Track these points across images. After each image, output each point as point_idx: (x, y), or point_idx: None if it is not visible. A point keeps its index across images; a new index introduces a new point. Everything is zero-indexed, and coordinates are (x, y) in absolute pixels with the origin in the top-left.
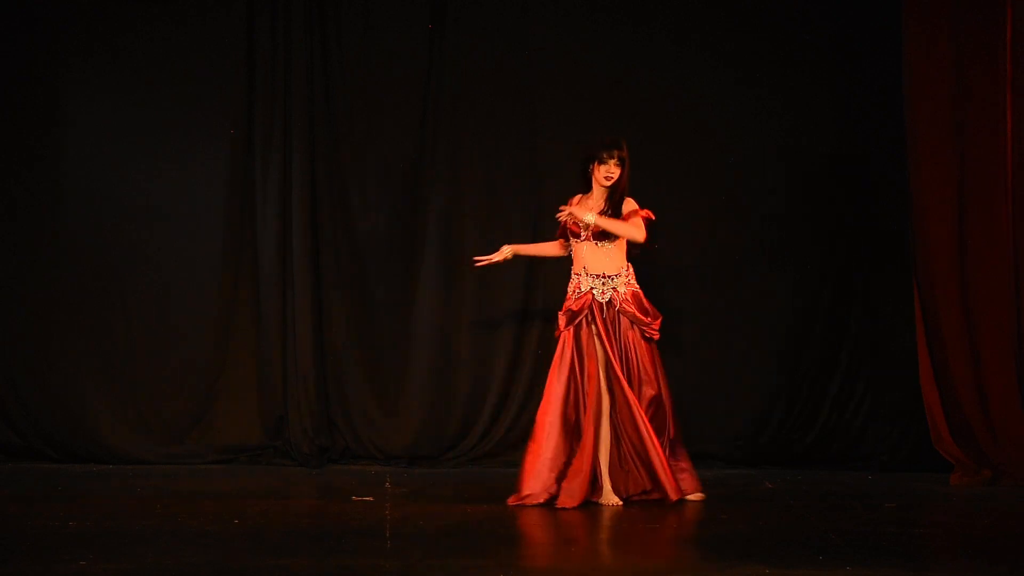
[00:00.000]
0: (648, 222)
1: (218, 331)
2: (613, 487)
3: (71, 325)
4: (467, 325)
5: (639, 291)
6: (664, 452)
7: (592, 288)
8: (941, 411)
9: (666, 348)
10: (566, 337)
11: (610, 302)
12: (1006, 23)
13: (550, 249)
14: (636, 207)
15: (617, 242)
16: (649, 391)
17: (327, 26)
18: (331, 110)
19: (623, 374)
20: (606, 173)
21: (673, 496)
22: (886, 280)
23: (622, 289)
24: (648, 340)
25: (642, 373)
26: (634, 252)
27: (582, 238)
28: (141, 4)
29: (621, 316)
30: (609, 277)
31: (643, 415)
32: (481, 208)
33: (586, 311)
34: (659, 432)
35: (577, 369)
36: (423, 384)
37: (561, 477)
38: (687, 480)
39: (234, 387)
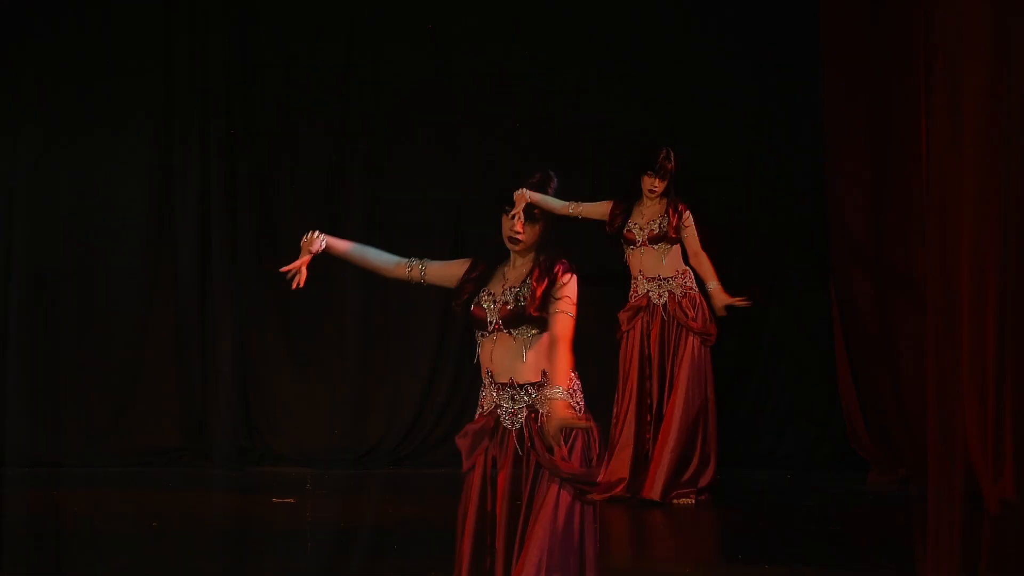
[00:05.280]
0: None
1: (138, 333)
2: None
3: None
4: (389, 329)
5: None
6: None
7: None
8: (858, 410)
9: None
10: None
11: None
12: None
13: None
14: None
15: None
16: None
17: (246, 28)
18: (253, 116)
19: None
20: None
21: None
22: (804, 280)
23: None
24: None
25: None
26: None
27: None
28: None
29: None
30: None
31: None
32: (403, 212)
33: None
34: None
35: None
36: (345, 386)
37: None
38: None
39: (154, 389)
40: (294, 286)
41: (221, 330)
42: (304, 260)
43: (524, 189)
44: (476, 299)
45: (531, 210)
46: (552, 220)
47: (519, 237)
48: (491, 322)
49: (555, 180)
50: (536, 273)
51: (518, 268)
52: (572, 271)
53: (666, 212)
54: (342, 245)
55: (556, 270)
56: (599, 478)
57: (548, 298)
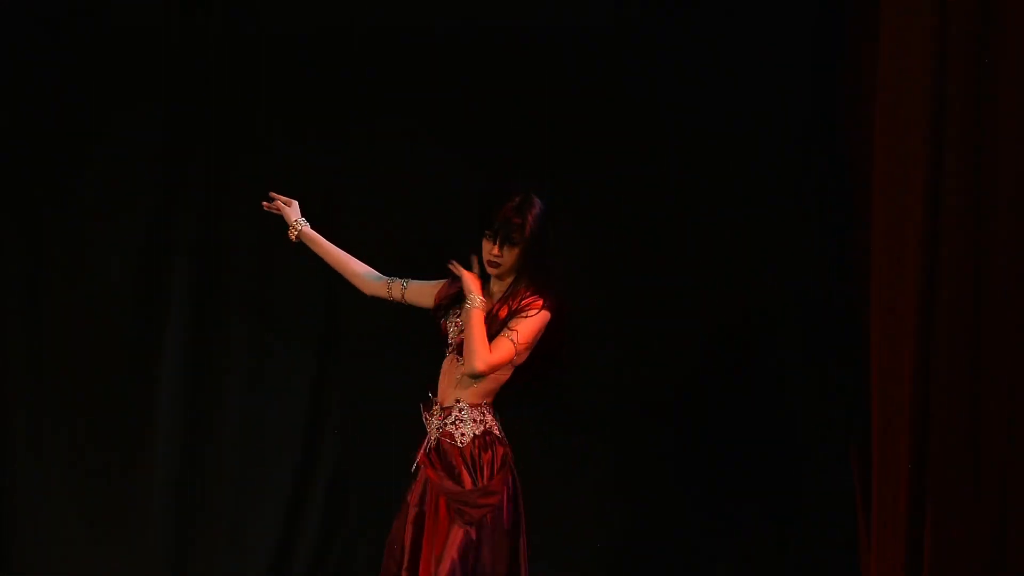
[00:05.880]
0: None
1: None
2: None
3: None
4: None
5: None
6: None
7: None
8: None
9: None
10: None
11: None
12: None
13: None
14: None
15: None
16: None
17: None
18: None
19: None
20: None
21: None
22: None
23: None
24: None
25: None
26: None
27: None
28: None
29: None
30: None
31: None
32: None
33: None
34: None
35: None
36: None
37: None
38: None
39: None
40: (266, 206)
41: (168, 343)
42: (290, 203)
43: None
44: (447, 314)
45: (509, 233)
46: (540, 246)
47: (498, 260)
48: (450, 345)
49: (539, 204)
50: (509, 300)
51: (493, 294)
52: (547, 308)
53: (503, 300)
54: (323, 240)
55: (526, 302)
56: (486, 500)
57: (504, 325)
